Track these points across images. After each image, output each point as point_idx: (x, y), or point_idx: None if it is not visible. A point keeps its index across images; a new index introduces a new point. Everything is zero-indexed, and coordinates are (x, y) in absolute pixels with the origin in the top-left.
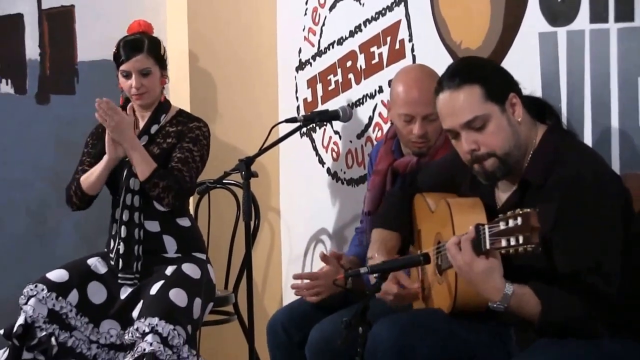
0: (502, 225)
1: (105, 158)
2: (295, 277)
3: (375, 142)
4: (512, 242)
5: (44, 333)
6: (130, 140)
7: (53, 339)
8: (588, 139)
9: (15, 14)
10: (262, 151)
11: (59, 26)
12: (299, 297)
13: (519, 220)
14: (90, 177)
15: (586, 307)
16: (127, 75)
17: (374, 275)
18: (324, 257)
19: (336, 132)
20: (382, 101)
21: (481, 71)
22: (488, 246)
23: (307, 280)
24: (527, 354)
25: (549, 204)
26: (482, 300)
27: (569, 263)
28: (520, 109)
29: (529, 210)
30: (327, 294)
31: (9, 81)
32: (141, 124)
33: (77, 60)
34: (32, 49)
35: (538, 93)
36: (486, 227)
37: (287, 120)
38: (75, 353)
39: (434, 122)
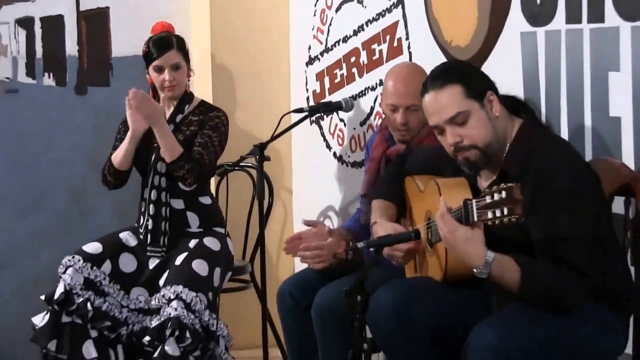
0: (488, 199)
1: (129, 133)
2: (303, 247)
3: (376, 129)
4: (498, 213)
5: (81, 299)
6: (161, 127)
7: (89, 304)
8: (564, 128)
9: (56, 15)
10: (273, 138)
11: (95, 26)
12: (306, 266)
13: (504, 194)
14: (118, 154)
15: (563, 274)
16: (160, 70)
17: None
18: (329, 231)
19: (341, 120)
20: (381, 93)
21: (461, 72)
22: (476, 218)
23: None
24: (496, 319)
25: (526, 189)
26: (469, 270)
27: (546, 237)
28: (497, 105)
29: (512, 184)
30: (329, 262)
31: (51, 75)
32: (168, 114)
33: (111, 56)
34: (71, 46)
35: (519, 87)
36: (474, 201)
37: (295, 111)
38: (109, 316)
39: (416, 112)
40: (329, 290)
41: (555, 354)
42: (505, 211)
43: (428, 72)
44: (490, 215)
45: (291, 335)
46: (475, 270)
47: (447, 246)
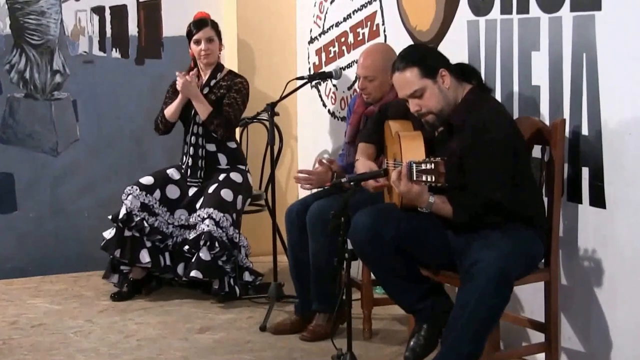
0: (423, 166)
1: (179, 97)
2: (299, 171)
3: (357, 93)
4: (428, 179)
5: (138, 218)
6: (194, 95)
7: (145, 222)
8: (498, 94)
9: (122, 5)
10: (281, 99)
11: (151, 13)
12: (306, 193)
13: (433, 166)
14: (170, 109)
15: (483, 206)
16: (198, 42)
17: (351, 182)
18: (319, 162)
19: (334, 85)
20: None
21: (419, 56)
22: (415, 178)
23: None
24: (483, 242)
25: (462, 144)
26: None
27: (475, 178)
28: (448, 79)
29: (439, 159)
30: (316, 186)
31: (117, 49)
32: (204, 79)
33: (162, 36)
34: (132, 28)
35: (465, 62)
36: (414, 165)
37: (297, 78)
38: (159, 231)
39: (372, 82)
40: (321, 202)
41: (518, 258)
42: (432, 179)
43: (396, 50)
44: (423, 178)
45: (293, 242)
46: (419, 209)
47: (404, 196)
